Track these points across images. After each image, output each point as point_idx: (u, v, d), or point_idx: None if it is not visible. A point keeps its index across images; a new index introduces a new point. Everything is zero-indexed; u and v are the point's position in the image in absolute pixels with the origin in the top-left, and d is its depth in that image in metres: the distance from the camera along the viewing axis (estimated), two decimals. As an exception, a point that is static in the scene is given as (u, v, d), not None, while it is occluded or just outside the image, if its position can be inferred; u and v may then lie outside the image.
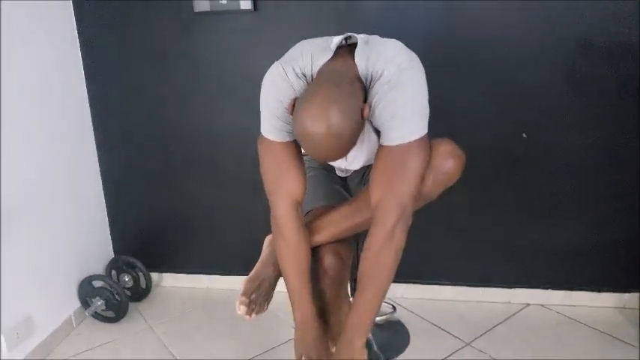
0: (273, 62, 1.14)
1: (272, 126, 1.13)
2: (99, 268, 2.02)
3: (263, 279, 1.25)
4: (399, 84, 1.03)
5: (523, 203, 1.84)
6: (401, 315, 1.87)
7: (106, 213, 2.10)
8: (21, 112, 1.63)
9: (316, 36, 1.17)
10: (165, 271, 2.16)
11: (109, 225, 2.11)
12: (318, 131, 0.95)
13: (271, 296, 1.27)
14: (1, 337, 1.52)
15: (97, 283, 1.86)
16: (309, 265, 1.20)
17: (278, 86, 1.11)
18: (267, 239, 1.34)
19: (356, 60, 1.07)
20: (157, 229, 2.12)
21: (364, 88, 1.06)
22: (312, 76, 1.11)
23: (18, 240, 1.61)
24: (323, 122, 0.94)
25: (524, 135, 1.78)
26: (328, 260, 1.21)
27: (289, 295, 1.19)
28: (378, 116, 1.05)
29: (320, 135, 0.95)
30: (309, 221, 1.27)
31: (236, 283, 1.41)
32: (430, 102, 1.09)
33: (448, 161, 1.12)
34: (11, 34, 1.57)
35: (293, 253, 1.17)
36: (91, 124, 1.99)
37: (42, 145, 1.72)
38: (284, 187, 1.16)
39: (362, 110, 1.01)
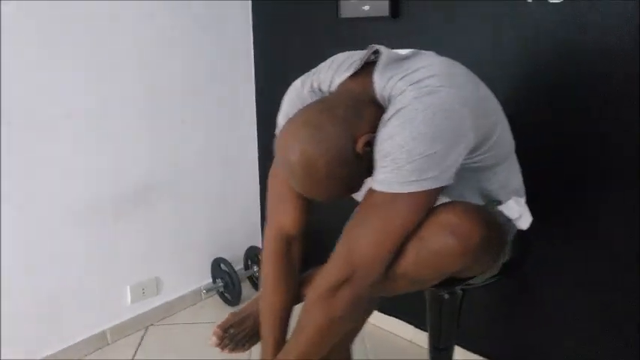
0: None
1: None
2: (239, 253, 2.20)
3: (248, 315, 1.15)
4: (410, 114, 0.77)
5: None
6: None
7: (259, 208, 2.26)
8: (191, 104, 1.90)
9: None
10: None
11: (261, 219, 2.27)
12: (288, 159, 0.83)
13: (256, 339, 1.15)
14: (127, 289, 1.85)
15: (223, 266, 2.04)
16: (286, 310, 1.05)
17: (290, 102, 1.01)
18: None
19: (374, 78, 0.86)
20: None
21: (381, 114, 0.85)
22: (329, 93, 0.94)
23: (167, 208, 1.89)
24: (293, 150, 0.82)
25: None
26: None
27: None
28: (376, 150, 0.82)
29: (290, 164, 0.83)
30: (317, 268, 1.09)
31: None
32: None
33: (442, 237, 0.79)
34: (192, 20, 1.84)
35: (270, 292, 1.04)
36: (255, 117, 2.16)
37: (204, 135, 1.98)
38: (275, 218, 1.06)
39: (355, 141, 0.81)
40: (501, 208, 1.04)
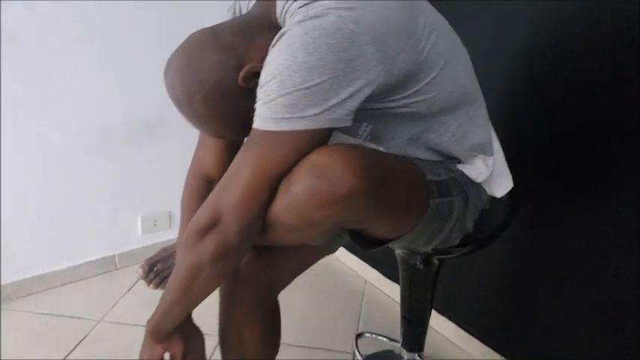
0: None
1: None
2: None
3: (175, 252, 1.07)
4: (289, 40, 0.65)
5: None
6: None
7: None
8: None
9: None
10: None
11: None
12: (168, 90, 0.77)
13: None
14: (139, 219, 1.89)
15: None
16: None
17: None
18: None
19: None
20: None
21: None
22: None
23: (179, 144, 1.83)
24: (171, 80, 0.76)
25: None
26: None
27: None
28: None
29: (171, 96, 0.77)
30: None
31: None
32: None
33: (307, 180, 0.66)
34: None
35: (182, 229, 0.97)
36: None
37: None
38: (197, 155, 1.00)
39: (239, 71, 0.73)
40: (461, 167, 0.85)
